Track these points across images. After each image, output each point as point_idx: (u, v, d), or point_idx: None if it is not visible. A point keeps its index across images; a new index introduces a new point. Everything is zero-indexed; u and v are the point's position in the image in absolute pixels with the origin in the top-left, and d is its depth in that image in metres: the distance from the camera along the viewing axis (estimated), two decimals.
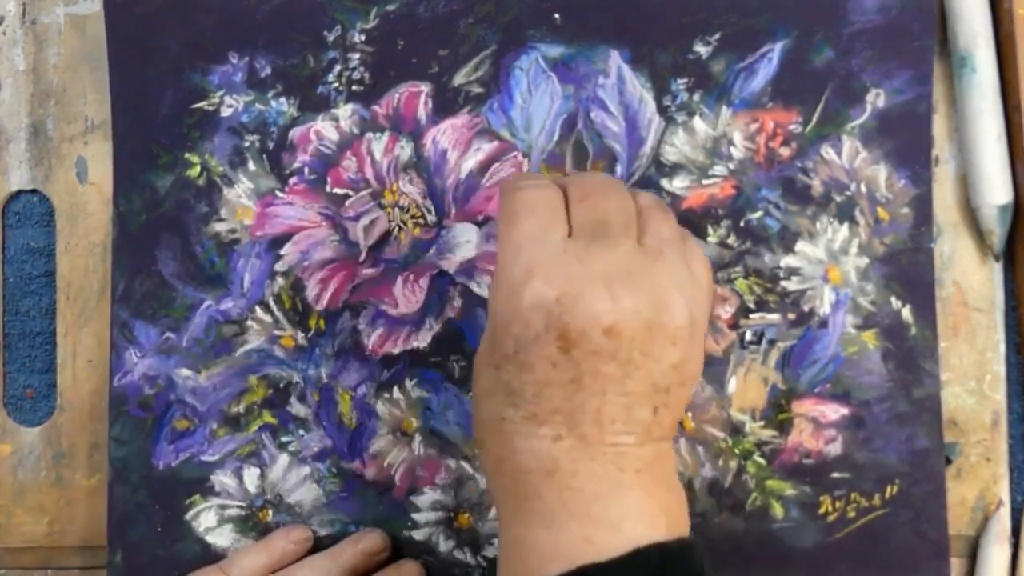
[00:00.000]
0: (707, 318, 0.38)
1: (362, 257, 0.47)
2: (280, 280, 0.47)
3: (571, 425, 0.35)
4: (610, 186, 0.38)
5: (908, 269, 0.44)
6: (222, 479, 0.47)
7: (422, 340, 0.46)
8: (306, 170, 0.47)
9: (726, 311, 0.45)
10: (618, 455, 0.35)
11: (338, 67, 0.47)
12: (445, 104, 0.46)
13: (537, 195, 0.37)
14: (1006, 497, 0.45)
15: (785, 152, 0.45)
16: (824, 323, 0.44)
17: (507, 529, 0.36)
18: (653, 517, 0.35)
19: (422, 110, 0.47)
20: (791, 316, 0.45)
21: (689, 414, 0.45)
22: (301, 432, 0.47)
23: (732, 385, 0.45)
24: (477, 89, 0.46)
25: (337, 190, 0.47)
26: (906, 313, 0.44)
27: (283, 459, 0.47)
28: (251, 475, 0.47)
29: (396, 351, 0.46)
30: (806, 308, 0.45)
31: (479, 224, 0.46)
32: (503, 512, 0.36)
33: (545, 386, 0.34)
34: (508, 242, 0.36)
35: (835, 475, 0.44)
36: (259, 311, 0.47)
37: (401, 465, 0.46)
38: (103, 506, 0.48)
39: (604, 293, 0.34)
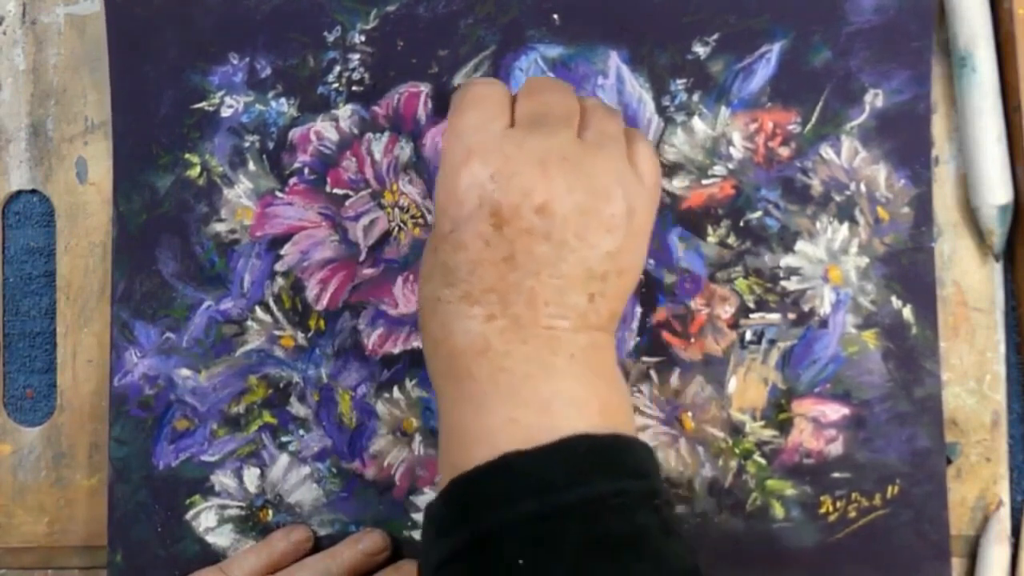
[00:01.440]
0: (651, 216, 0.38)
1: (362, 257, 0.47)
2: (280, 280, 0.47)
3: (504, 305, 0.35)
4: (556, 84, 0.39)
5: (908, 269, 0.44)
6: (222, 479, 0.47)
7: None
8: (306, 170, 0.47)
9: (726, 311, 0.45)
10: (551, 338, 0.35)
11: (338, 67, 0.47)
12: (445, 104, 0.46)
13: (484, 90, 0.38)
14: (1006, 497, 0.45)
15: (784, 152, 0.45)
16: (824, 323, 0.44)
17: (443, 415, 0.36)
18: (584, 403, 0.35)
19: (422, 110, 0.47)
20: (791, 316, 0.45)
21: (689, 414, 0.45)
22: (301, 432, 0.47)
23: (732, 385, 0.45)
24: None
25: (337, 190, 0.47)
26: (906, 313, 0.44)
27: (283, 459, 0.47)
28: (251, 475, 0.47)
29: (396, 351, 0.46)
30: (806, 308, 0.45)
31: None
32: (440, 397, 0.37)
33: (478, 264, 0.35)
34: (451, 131, 0.37)
35: (835, 475, 0.44)
36: (259, 311, 0.47)
37: (401, 465, 0.46)
38: (103, 506, 0.48)
39: (538, 172, 0.35)
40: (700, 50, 0.45)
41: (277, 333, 0.47)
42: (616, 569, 0.31)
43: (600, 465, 0.33)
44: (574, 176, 0.35)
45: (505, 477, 0.33)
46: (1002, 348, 0.45)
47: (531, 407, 0.34)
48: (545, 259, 0.35)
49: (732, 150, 0.45)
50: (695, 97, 0.45)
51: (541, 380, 0.35)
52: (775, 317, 0.45)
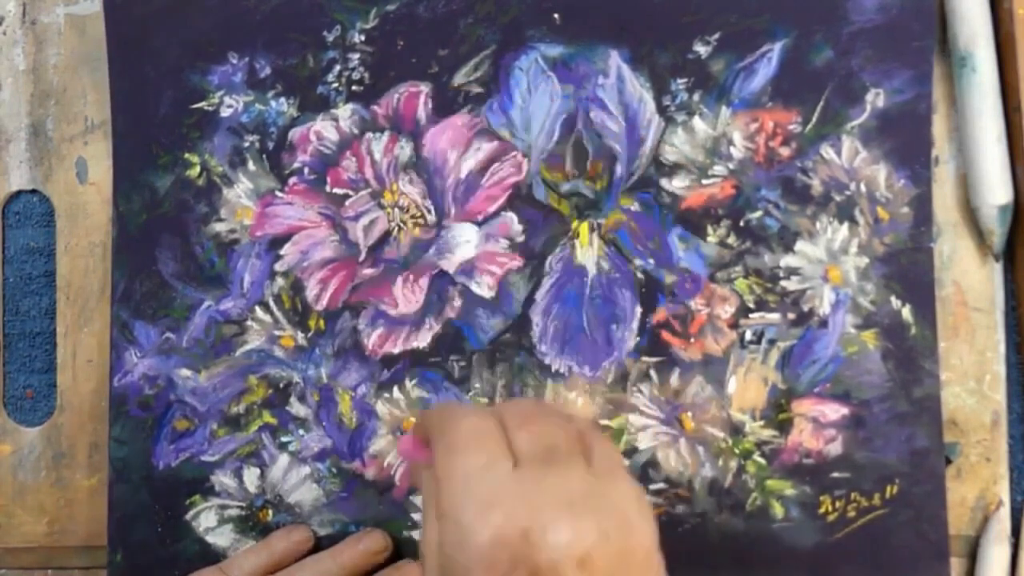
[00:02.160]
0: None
1: (362, 257, 0.47)
2: (280, 280, 0.47)
3: None
4: (547, 411, 0.36)
5: (908, 269, 0.44)
6: (222, 479, 0.47)
7: (422, 340, 0.46)
8: (306, 170, 0.47)
9: (726, 311, 0.45)
10: None
11: (338, 67, 0.47)
12: (445, 104, 0.46)
13: (474, 424, 0.34)
14: (1006, 497, 0.45)
15: (785, 152, 0.45)
16: (824, 323, 0.44)
17: None
18: None
19: (422, 110, 0.47)
20: (791, 316, 0.45)
21: (689, 414, 0.45)
22: (301, 432, 0.47)
23: (732, 385, 0.45)
24: (477, 89, 0.46)
25: (337, 190, 0.47)
26: (906, 313, 0.44)
27: (283, 459, 0.47)
28: (251, 475, 0.47)
29: (396, 351, 0.46)
30: (806, 308, 0.45)
31: (479, 224, 0.46)
32: None
33: None
34: (452, 477, 0.33)
35: (835, 475, 0.44)
36: (259, 311, 0.47)
37: (401, 465, 0.46)
38: (103, 506, 0.48)
39: (570, 521, 0.31)
40: (701, 49, 0.45)
41: (277, 333, 0.47)
42: None
43: None
44: (604, 518, 0.32)
45: None
46: (1002, 348, 0.45)
47: None
48: None
49: (733, 150, 0.45)
50: (696, 97, 0.45)
51: None
52: (775, 317, 0.45)
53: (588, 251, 0.46)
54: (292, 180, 0.47)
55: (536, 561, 0.31)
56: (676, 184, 0.45)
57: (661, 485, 0.45)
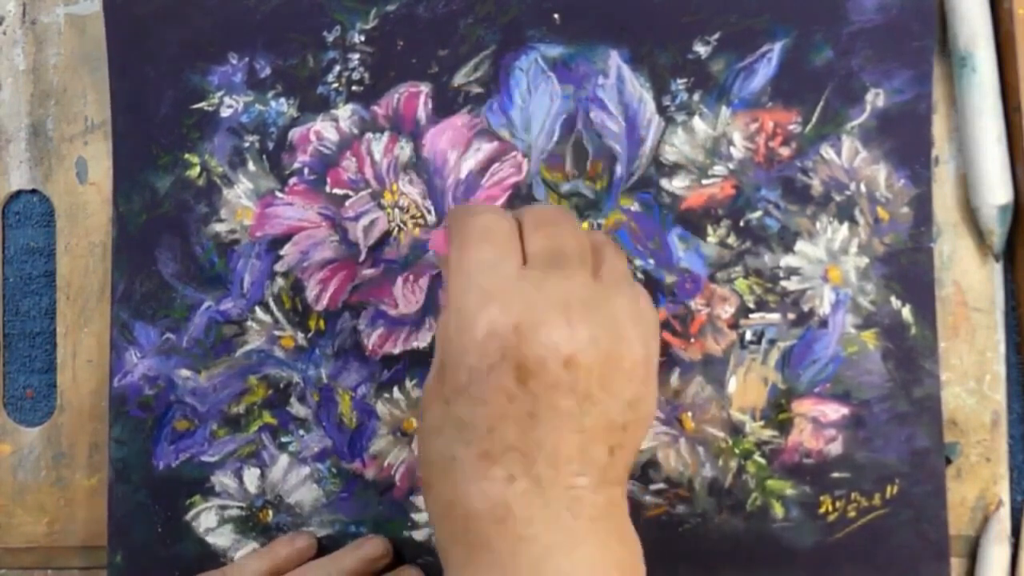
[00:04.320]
0: (658, 359, 0.37)
1: (362, 257, 0.47)
2: (280, 280, 0.47)
3: (526, 464, 0.33)
4: (565, 218, 0.37)
5: (908, 269, 0.44)
6: (222, 479, 0.47)
7: (422, 340, 0.46)
8: (306, 170, 0.47)
9: (726, 311, 0.45)
10: (573, 500, 0.33)
11: (338, 67, 0.47)
12: (445, 104, 0.46)
13: (491, 222, 0.35)
14: (1006, 497, 0.45)
15: (785, 152, 0.45)
16: (824, 323, 0.44)
17: None
18: (605, 573, 0.33)
19: (422, 110, 0.47)
20: (791, 316, 0.45)
21: (689, 414, 0.45)
22: (301, 432, 0.47)
23: (732, 385, 0.45)
24: (477, 89, 0.46)
25: (337, 190, 0.47)
26: (906, 313, 0.44)
27: (283, 459, 0.47)
28: (251, 475, 0.47)
29: (396, 351, 0.46)
30: (806, 308, 0.45)
31: None
32: (450, 562, 0.34)
33: (500, 420, 0.33)
34: (460, 269, 0.34)
35: (835, 475, 0.44)
36: (259, 311, 0.47)
37: (401, 465, 0.46)
38: (103, 506, 0.48)
39: (563, 322, 0.33)
40: (701, 49, 0.45)
41: (277, 333, 0.47)
42: None
43: None
44: (597, 324, 0.33)
45: None
46: (1002, 348, 0.45)
47: None
48: (570, 413, 0.33)
49: (732, 150, 0.45)
50: (696, 97, 0.45)
51: (564, 551, 0.33)
52: (775, 317, 0.45)
53: None
54: (292, 180, 0.47)
55: (523, 354, 0.32)
56: (676, 184, 0.45)
57: (661, 485, 0.45)
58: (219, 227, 0.47)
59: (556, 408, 0.33)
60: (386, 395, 0.46)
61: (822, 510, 0.44)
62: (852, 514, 0.44)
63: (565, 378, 0.33)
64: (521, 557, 0.33)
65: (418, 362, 0.46)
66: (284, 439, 0.47)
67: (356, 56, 0.47)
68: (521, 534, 0.33)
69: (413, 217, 0.46)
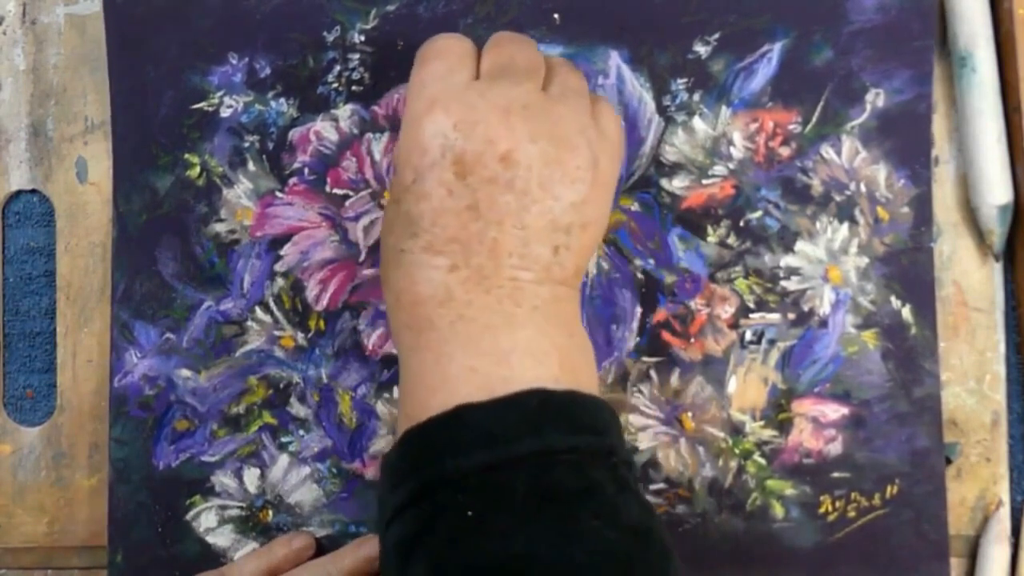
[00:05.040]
0: (615, 169, 0.38)
1: (362, 257, 0.47)
2: (280, 280, 0.47)
3: (467, 255, 0.35)
4: (522, 39, 0.39)
5: (908, 269, 0.44)
6: (222, 479, 0.47)
7: None
8: (306, 170, 0.47)
9: (726, 311, 0.45)
10: (514, 289, 0.35)
11: (338, 67, 0.47)
12: None
13: (448, 43, 0.38)
14: (1006, 497, 0.45)
15: (785, 152, 0.45)
16: (824, 323, 0.44)
17: (403, 367, 0.36)
18: (544, 355, 0.35)
19: None
20: (791, 316, 0.45)
21: (689, 414, 0.45)
22: (301, 432, 0.47)
23: (732, 385, 0.45)
24: None
25: (337, 190, 0.47)
26: (906, 313, 0.44)
27: (283, 459, 0.47)
28: (251, 475, 0.47)
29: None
30: (806, 308, 0.45)
31: None
32: (400, 349, 0.37)
33: (441, 214, 0.35)
34: (414, 82, 0.37)
35: (835, 475, 0.44)
36: (259, 311, 0.47)
37: None
38: (103, 506, 0.48)
39: (501, 121, 0.35)
40: (701, 49, 0.45)
41: (277, 333, 0.47)
42: (565, 520, 0.31)
43: (553, 420, 0.33)
44: (537, 126, 0.35)
45: (457, 428, 0.33)
46: (1002, 348, 0.45)
47: (490, 357, 0.34)
48: (508, 209, 0.35)
49: (732, 150, 0.45)
50: (696, 97, 0.45)
51: (502, 331, 0.35)
52: (775, 317, 0.45)
53: None
54: (292, 180, 0.47)
55: (462, 149, 0.35)
56: (676, 184, 0.45)
57: (661, 485, 0.45)
58: (219, 227, 0.47)
59: (495, 203, 0.35)
60: (386, 395, 0.46)
61: (822, 510, 0.44)
62: (852, 514, 0.44)
63: (503, 174, 0.35)
64: (460, 334, 0.35)
65: None
66: (284, 439, 0.47)
67: (356, 56, 0.47)
68: (462, 313, 0.35)
69: None
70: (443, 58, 0.37)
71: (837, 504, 0.44)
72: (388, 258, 0.37)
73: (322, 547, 0.46)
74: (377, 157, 0.47)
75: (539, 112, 0.36)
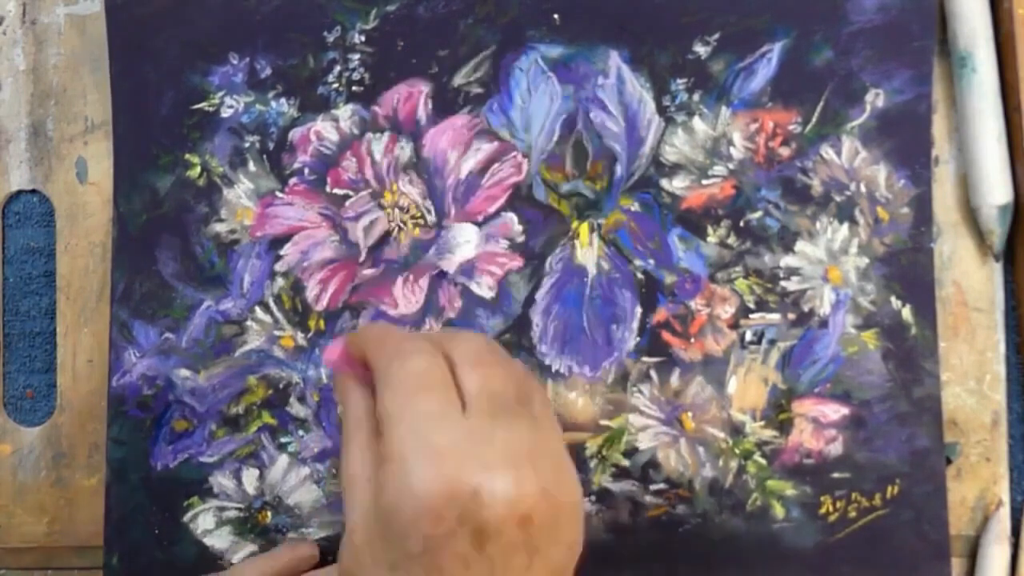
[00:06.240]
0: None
1: (362, 257, 0.47)
2: (280, 280, 0.47)
3: None
4: (496, 352, 0.35)
5: (908, 269, 0.44)
6: (221, 480, 0.47)
7: None
8: (306, 170, 0.47)
9: (726, 311, 0.45)
10: None
11: (338, 68, 0.47)
12: (445, 104, 0.46)
13: (428, 365, 0.33)
14: (1006, 497, 0.45)
15: (785, 152, 0.45)
16: (824, 323, 0.44)
17: None
18: None
19: (422, 110, 0.47)
20: (791, 316, 0.45)
21: (689, 414, 0.45)
22: (301, 433, 0.47)
23: (732, 385, 0.45)
24: (477, 89, 0.46)
25: (337, 190, 0.47)
26: (906, 313, 0.44)
27: (282, 460, 0.47)
28: (250, 476, 0.47)
29: None
30: (806, 308, 0.45)
31: (479, 224, 0.46)
32: None
33: None
34: (404, 419, 0.32)
35: (836, 475, 0.44)
36: (259, 311, 0.47)
37: None
38: (103, 506, 0.48)
39: (515, 479, 0.31)
40: (701, 50, 0.45)
41: (277, 333, 0.47)
42: None
43: None
44: (543, 473, 0.32)
45: None
46: (1002, 348, 0.45)
47: None
48: (520, 568, 0.32)
49: (732, 150, 0.45)
50: (696, 97, 0.45)
51: None
52: (775, 317, 0.45)
53: (588, 251, 0.46)
54: (292, 180, 0.47)
55: (483, 519, 0.31)
56: (676, 184, 0.45)
57: (662, 485, 0.45)
58: (219, 227, 0.47)
59: (508, 566, 0.31)
60: None
61: (822, 510, 0.44)
62: (852, 514, 0.44)
63: (521, 537, 0.31)
64: None
65: None
66: (283, 439, 0.47)
67: (356, 56, 0.47)
68: None
69: (413, 217, 0.46)
70: (429, 391, 0.33)
71: (837, 504, 0.44)
72: None
73: (321, 547, 0.46)
74: (377, 157, 0.47)
75: (541, 455, 0.32)
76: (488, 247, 0.46)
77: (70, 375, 0.49)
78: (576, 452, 0.45)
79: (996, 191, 0.44)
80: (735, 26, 0.45)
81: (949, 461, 0.45)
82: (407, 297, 0.46)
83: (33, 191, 0.50)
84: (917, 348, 0.44)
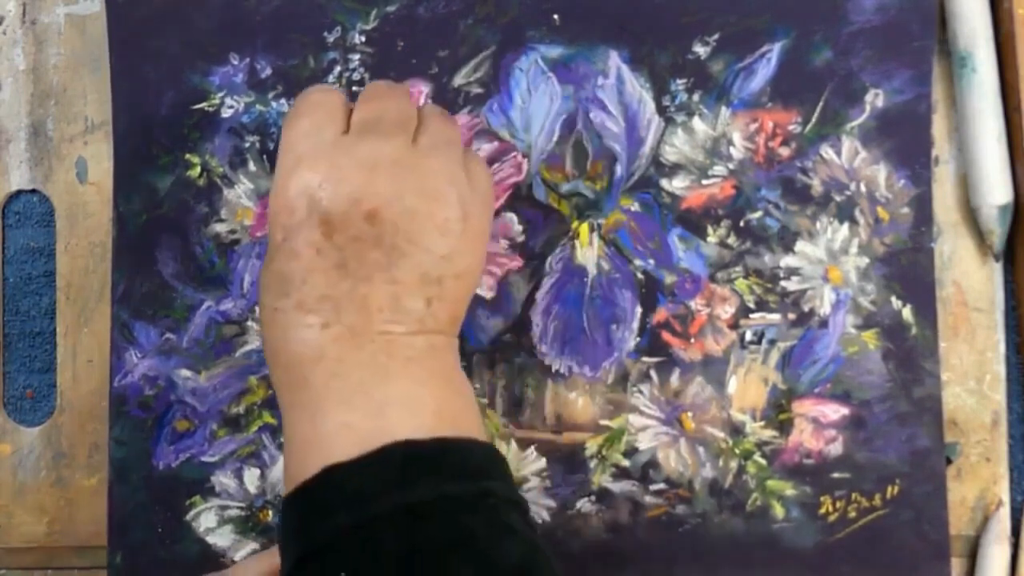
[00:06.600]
0: (487, 220, 0.38)
1: None
2: None
3: (338, 313, 0.35)
4: (393, 90, 0.39)
5: (908, 269, 0.44)
6: (222, 480, 0.47)
7: None
8: None
9: (726, 311, 0.45)
10: (387, 343, 0.35)
11: (338, 68, 0.47)
12: (445, 105, 0.46)
13: (317, 97, 0.38)
14: (1006, 497, 0.45)
15: (785, 152, 0.45)
16: (824, 323, 0.44)
17: (284, 425, 0.36)
18: (419, 405, 0.34)
19: None
20: (791, 316, 0.45)
21: (689, 414, 0.45)
22: None
23: (732, 385, 0.45)
24: (477, 89, 0.46)
25: None
26: (906, 313, 0.44)
27: (283, 460, 0.47)
28: (251, 476, 0.47)
29: None
30: (806, 308, 0.45)
31: None
32: (282, 404, 0.37)
33: (310, 273, 0.35)
34: (283, 140, 0.37)
35: (835, 475, 0.44)
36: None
37: None
38: (103, 506, 0.48)
39: (366, 179, 0.35)
40: (700, 50, 0.45)
41: None
42: (436, 571, 0.31)
43: (420, 471, 0.33)
44: (404, 181, 0.35)
45: (325, 491, 0.33)
46: (1002, 348, 0.45)
47: (365, 412, 0.34)
48: (377, 265, 0.35)
49: (732, 150, 0.45)
50: (695, 97, 0.45)
51: (375, 385, 0.34)
52: (775, 317, 0.45)
53: (588, 251, 0.46)
54: None
55: (327, 209, 0.35)
56: (676, 184, 0.45)
57: (661, 485, 0.45)
58: (219, 227, 0.47)
59: (363, 260, 0.35)
60: None
61: (822, 510, 0.44)
62: (852, 514, 0.44)
63: (369, 232, 0.35)
64: (334, 391, 0.34)
65: None
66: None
67: (356, 57, 0.47)
68: (335, 371, 0.35)
69: None
70: (312, 114, 0.37)
71: (837, 504, 0.44)
72: (264, 317, 0.37)
73: None
74: None
75: (407, 167, 0.36)
76: (488, 247, 0.46)
77: (70, 375, 0.49)
78: (576, 452, 0.45)
79: (996, 191, 0.44)
80: (735, 26, 0.45)
81: (949, 461, 0.45)
82: None
83: (33, 191, 0.50)
84: (917, 348, 0.44)
